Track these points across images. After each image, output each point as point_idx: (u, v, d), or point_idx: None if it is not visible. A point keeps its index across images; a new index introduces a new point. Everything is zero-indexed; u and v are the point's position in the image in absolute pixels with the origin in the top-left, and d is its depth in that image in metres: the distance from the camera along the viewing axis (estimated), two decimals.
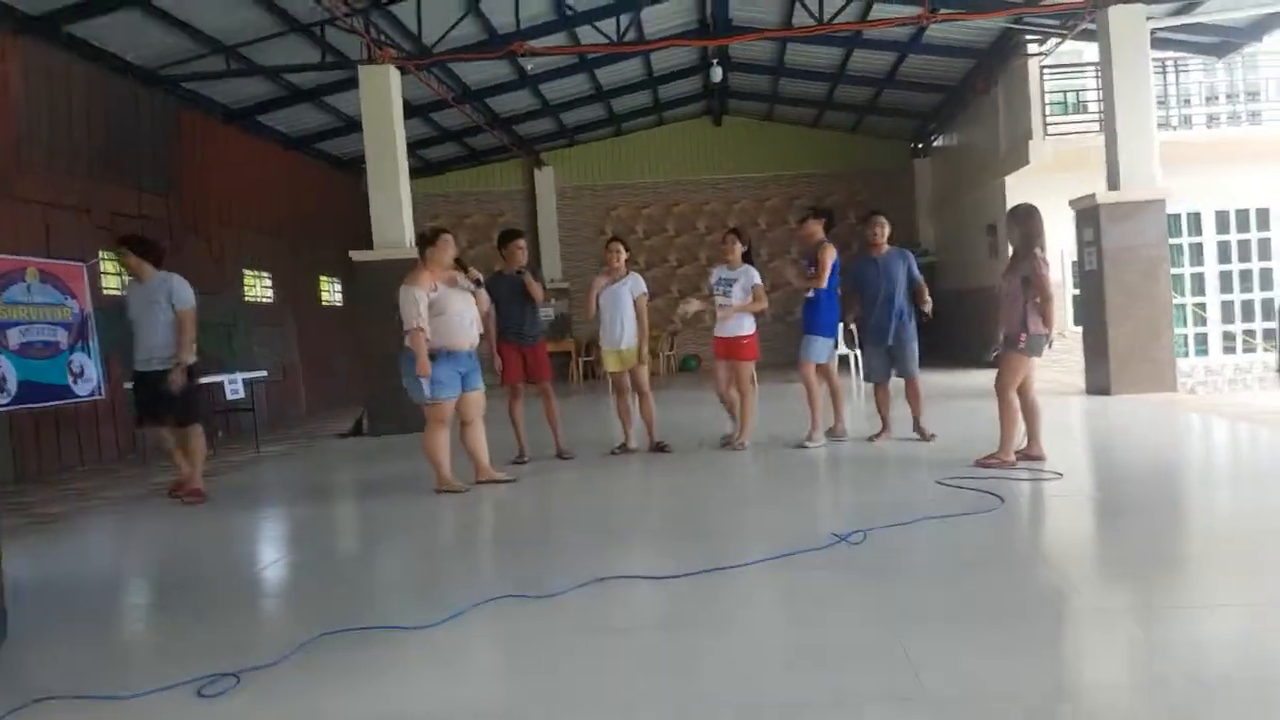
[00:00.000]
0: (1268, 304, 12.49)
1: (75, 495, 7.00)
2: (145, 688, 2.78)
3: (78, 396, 8.07)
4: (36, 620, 3.54)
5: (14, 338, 7.39)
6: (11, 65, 8.20)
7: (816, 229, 6.76)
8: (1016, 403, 5.53)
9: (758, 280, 6.70)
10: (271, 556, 4.83)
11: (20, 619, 3.33)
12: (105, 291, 9.32)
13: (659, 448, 6.96)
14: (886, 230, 6.65)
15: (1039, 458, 5.54)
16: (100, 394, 8.32)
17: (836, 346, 6.88)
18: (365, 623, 3.29)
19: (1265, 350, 12.43)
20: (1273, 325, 12.42)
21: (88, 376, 8.12)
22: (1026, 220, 5.53)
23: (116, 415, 9.14)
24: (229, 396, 8.72)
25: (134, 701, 2.71)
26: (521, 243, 6.87)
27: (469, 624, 3.25)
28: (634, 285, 6.85)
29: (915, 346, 6.59)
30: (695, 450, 6.80)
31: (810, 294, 6.65)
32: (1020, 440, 5.60)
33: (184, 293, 6.13)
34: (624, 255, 6.88)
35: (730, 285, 6.65)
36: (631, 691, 2.60)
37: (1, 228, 7.93)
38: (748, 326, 6.73)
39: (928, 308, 6.51)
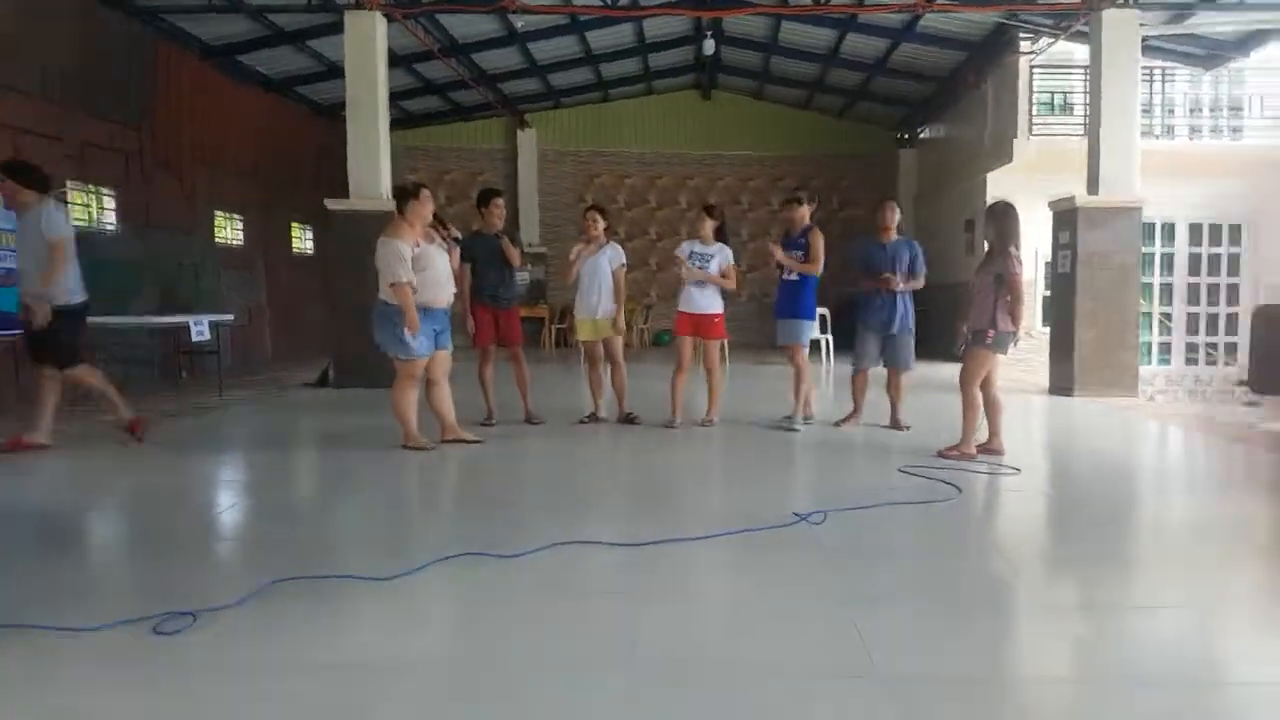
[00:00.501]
0: (1231, 319, 12.76)
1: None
2: (101, 621, 2.76)
3: None
4: None
5: None
6: None
7: (804, 213, 6.73)
8: (979, 397, 5.63)
9: (732, 260, 6.71)
10: (231, 501, 4.79)
11: None
12: (72, 222, 9.09)
13: (628, 419, 6.98)
14: (897, 216, 6.68)
15: (998, 452, 5.65)
16: None
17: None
18: (324, 571, 3.29)
19: (1226, 364, 12.71)
20: (1235, 340, 12.69)
21: None
22: (1003, 218, 5.58)
23: None
24: (194, 338, 8.58)
25: (90, 634, 2.71)
26: (500, 203, 6.80)
27: (427, 579, 3.26)
28: (613, 255, 6.82)
29: (912, 340, 6.64)
30: (664, 424, 6.82)
31: (794, 277, 6.63)
32: (981, 434, 5.71)
33: (56, 220, 5.71)
34: (602, 224, 6.84)
35: (707, 261, 6.63)
36: (584, 653, 2.63)
37: None
38: (719, 304, 6.74)
39: (904, 284, 6.51)
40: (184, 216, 11.29)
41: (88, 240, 9.31)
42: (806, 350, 6.79)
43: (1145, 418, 7.87)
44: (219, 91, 12.13)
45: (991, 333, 5.48)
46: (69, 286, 5.81)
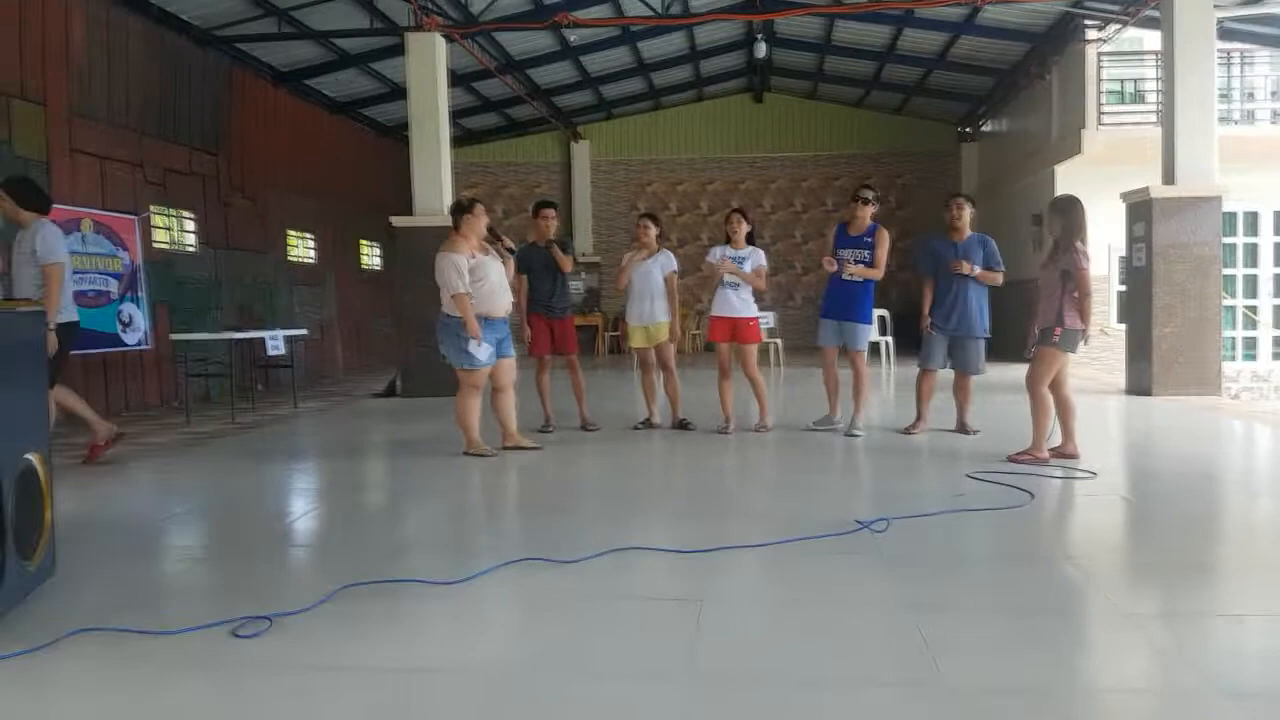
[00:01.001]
0: None
1: (121, 440, 7.19)
2: (182, 625, 2.89)
3: (126, 345, 8.30)
4: (83, 556, 3.68)
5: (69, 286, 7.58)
6: (73, 21, 8.37)
7: (870, 212, 6.51)
8: (1050, 398, 5.45)
9: (764, 262, 6.66)
10: (305, 507, 4.95)
11: (68, 554, 3.46)
12: (155, 245, 9.55)
13: (682, 425, 6.97)
14: (968, 213, 6.38)
15: (1073, 455, 5.47)
16: (147, 344, 8.55)
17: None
18: (392, 575, 3.38)
19: None
20: None
21: (136, 326, 8.34)
22: (1069, 211, 5.41)
23: (161, 365, 9.40)
24: (270, 352, 8.91)
25: (171, 638, 2.82)
26: (551, 213, 6.89)
27: (490, 583, 3.32)
28: (665, 262, 6.85)
29: (983, 349, 6.41)
30: (718, 430, 6.79)
31: (859, 280, 6.45)
32: (1055, 438, 5.54)
33: (51, 244, 5.41)
34: (654, 231, 6.88)
35: (742, 264, 6.57)
36: (647, 660, 2.64)
37: (61, 179, 8.15)
38: (755, 307, 6.68)
39: (979, 272, 6.27)
40: (258, 236, 11.73)
41: (170, 261, 9.77)
42: (866, 355, 6.69)
43: (1229, 417, 7.53)
44: (289, 115, 12.59)
45: (1059, 330, 5.30)
46: (60, 305, 5.59)
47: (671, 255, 6.95)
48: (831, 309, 6.60)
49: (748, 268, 6.58)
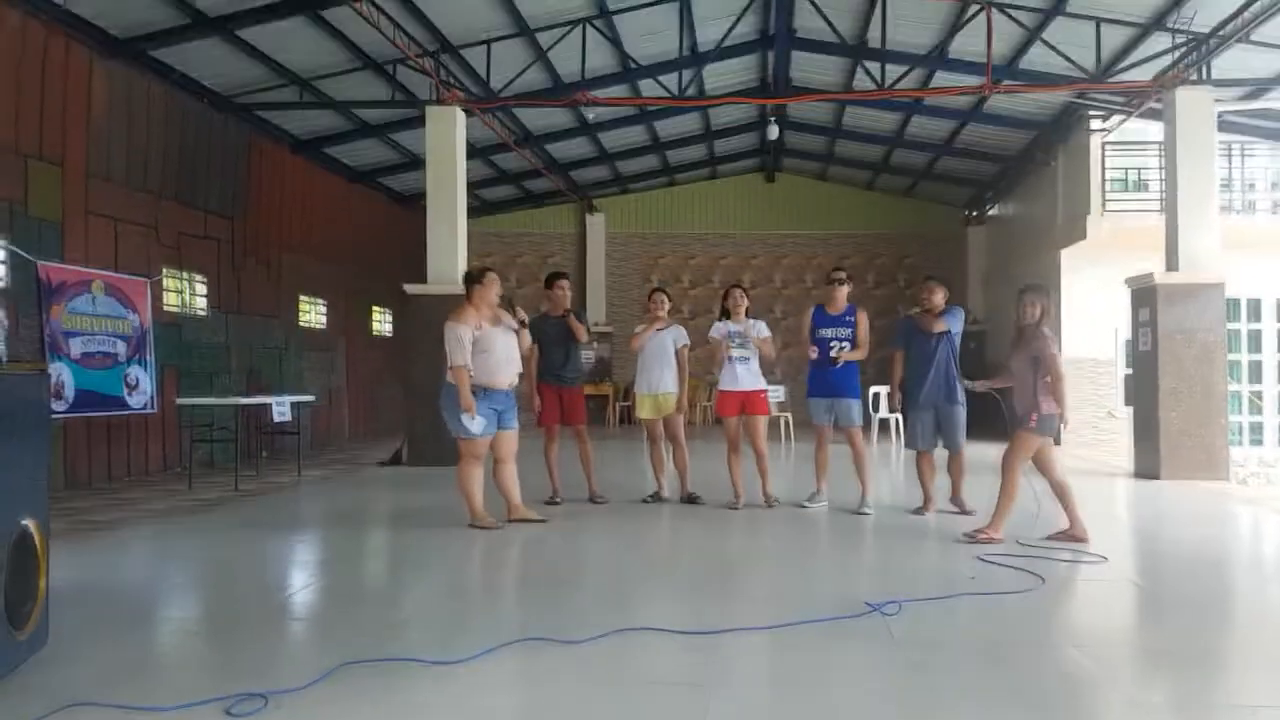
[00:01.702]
0: None
1: (121, 505, 7.17)
2: (176, 701, 2.82)
3: (130, 408, 8.32)
4: (76, 626, 3.62)
5: (76, 347, 7.66)
6: (95, 85, 8.61)
7: (845, 293, 6.62)
8: (1020, 484, 5.41)
9: (767, 332, 6.72)
10: (304, 581, 4.87)
11: (61, 624, 3.40)
12: (166, 308, 9.64)
13: (691, 499, 6.93)
14: (940, 296, 6.44)
15: (1081, 539, 5.39)
16: (152, 407, 8.56)
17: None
18: (391, 654, 3.31)
19: None
20: None
21: (142, 389, 8.37)
22: (1046, 297, 5.48)
23: (165, 430, 9.39)
24: (275, 419, 8.90)
25: (165, 715, 2.76)
26: (565, 284, 6.96)
27: (493, 663, 3.25)
28: (677, 336, 6.92)
29: (963, 416, 6.39)
30: (728, 505, 6.73)
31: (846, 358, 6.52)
32: (1062, 521, 5.48)
33: None
34: (667, 305, 6.95)
35: (745, 339, 6.62)
36: None
37: (74, 240, 8.27)
38: (763, 381, 6.73)
39: (934, 327, 6.29)
40: (270, 301, 11.86)
41: (179, 324, 9.86)
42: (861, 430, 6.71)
43: (1237, 502, 7.45)
44: (306, 181, 12.86)
45: (1035, 416, 5.31)
46: None
47: (683, 329, 7.03)
48: (820, 389, 6.64)
49: (752, 341, 6.62)
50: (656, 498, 7.02)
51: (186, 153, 10.04)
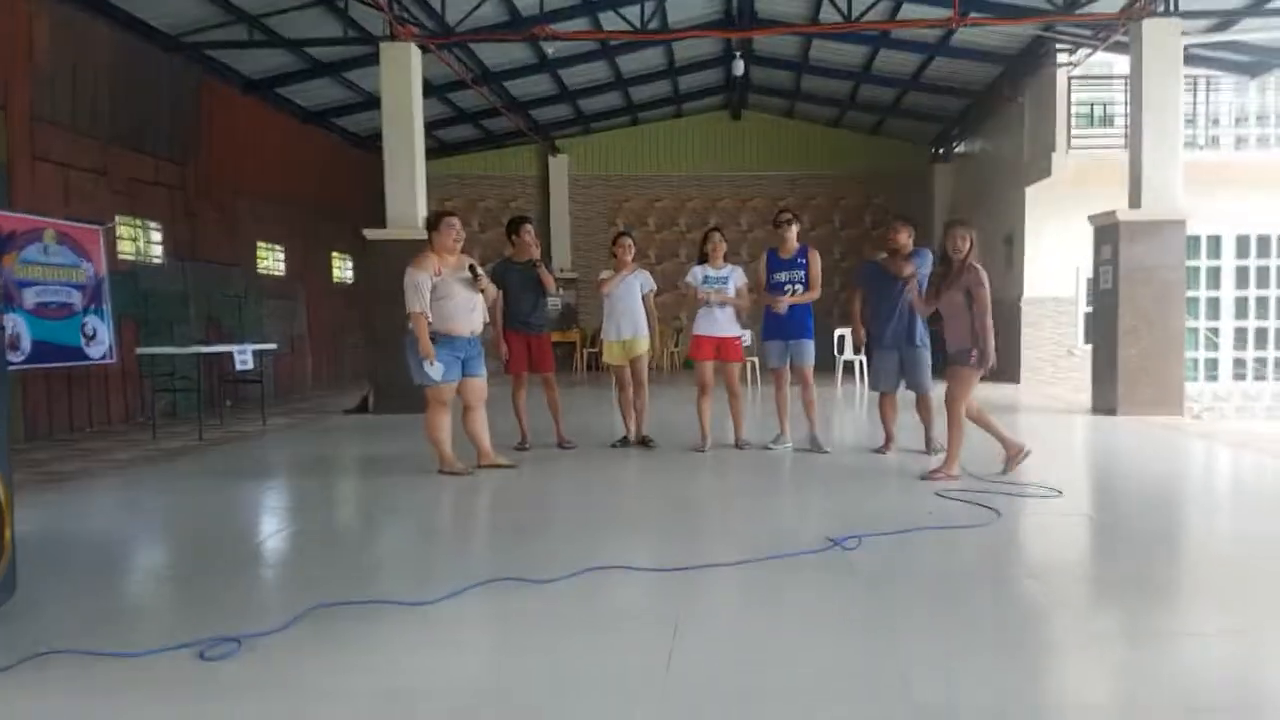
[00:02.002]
0: None
1: (84, 455, 7.07)
2: (148, 647, 2.83)
3: (89, 359, 8.14)
4: (43, 576, 3.60)
5: (30, 297, 7.45)
6: (37, 25, 8.23)
7: (796, 232, 6.65)
8: (965, 419, 5.54)
9: (746, 279, 6.72)
10: (274, 527, 4.87)
11: (28, 574, 3.37)
12: (120, 256, 9.39)
13: (644, 442, 6.99)
14: (905, 235, 6.39)
15: (1020, 451, 5.59)
16: (111, 357, 8.39)
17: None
18: (364, 597, 3.33)
19: (1276, 380, 12.36)
20: None
21: (100, 339, 8.19)
22: (974, 231, 5.55)
23: (126, 380, 9.23)
24: (238, 367, 8.77)
25: (137, 660, 2.77)
26: (530, 228, 6.86)
27: (464, 604, 3.29)
28: (644, 280, 6.89)
29: (928, 357, 6.43)
30: (694, 448, 6.80)
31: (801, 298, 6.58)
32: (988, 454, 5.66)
33: None
34: (632, 250, 6.90)
35: (723, 283, 6.63)
36: (622, 679, 2.63)
37: (22, 187, 7.98)
38: (738, 326, 6.75)
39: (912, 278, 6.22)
40: (227, 248, 11.59)
41: (136, 273, 9.62)
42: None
43: (1191, 437, 7.68)
44: (259, 124, 12.47)
45: (975, 352, 5.40)
46: None
47: (649, 274, 7.00)
48: (776, 331, 6.66)
49: (730, 287, 6.63)
50: (625, 442, 7.06)
51: (135, 95, 9.66)
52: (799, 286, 6.55)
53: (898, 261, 6.34)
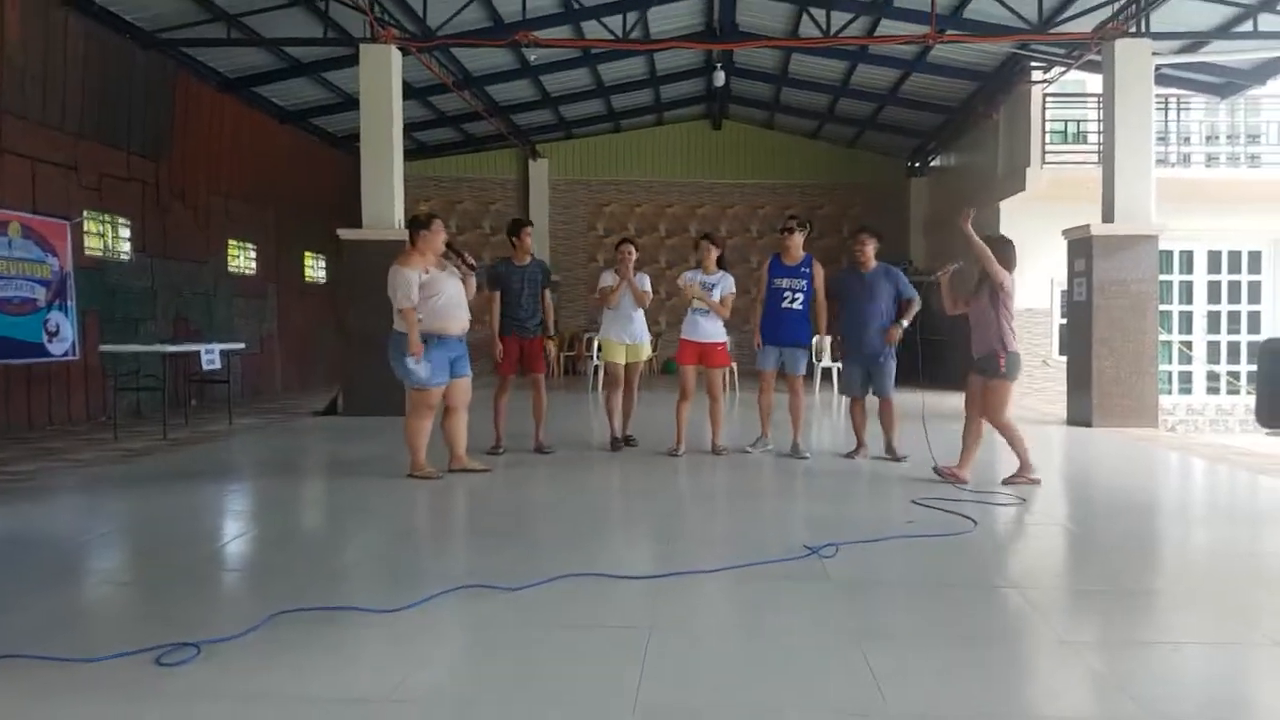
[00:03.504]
0: (1253, 346, 12.60)
1: (44, 455, 6.88)
2: (105, 652, 2.73)
3: (51, 355, 7.96)
4: (1, 580, 3.47)
5: None
6: (8, 15, 8.05)
7: (801, 239, 6.65)
8: (1016, 425, 5.64)
9: (733, 289, 6.72)
10: (237, 530, 4.75)
11: None
12: (87, 252, 9.18)
13: (627, 440, 7.09)
14: (872, 247, 6.51)
15: (963, 481, 5.61)
16: (74, 355, 8.21)
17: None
18: (329, 602, 3.24)
19: (1247, 393, 12.53)
20: (1253, 369, 12.53)
21: (63, 336, 8.01)
22: (1010, 248, 5.66)
23: (89, 377, 9.02)
24: (204, 366, 8.59)
25: (91, 666, 2.67)
26: (531, 229, 6.92)
27: (431, 611, 3.21)
28: (643, 284, 6.94)
29: (892, 366, 6.52)
30: (669, 452, 6.75)
31: (799, 306, 6.61)
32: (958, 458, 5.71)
33: None
34: (635, 256, 6.93)
35: (711, 289, 6.63)
36: (591, 689, 2.57)
37: None
38: (724, 332, 6.77)
39: (904, 321, 6.44)
40: (197, 245, 11.40)
41: (103, 269, 9.42)
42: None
43: (1165, 449, 7.74)
44: (235, 122, 12.30)
45: (1003, 359, 5.45)
46: None
47: (647, 278, 7.04)
48: (775, 336, 6.69)
49: (717, 294, 6.64)
50: (617, 444, 7.03)
51: (108, 90, 9.48)
52: (799, 295, 6.56)
53: (893, 332, 6.42)
